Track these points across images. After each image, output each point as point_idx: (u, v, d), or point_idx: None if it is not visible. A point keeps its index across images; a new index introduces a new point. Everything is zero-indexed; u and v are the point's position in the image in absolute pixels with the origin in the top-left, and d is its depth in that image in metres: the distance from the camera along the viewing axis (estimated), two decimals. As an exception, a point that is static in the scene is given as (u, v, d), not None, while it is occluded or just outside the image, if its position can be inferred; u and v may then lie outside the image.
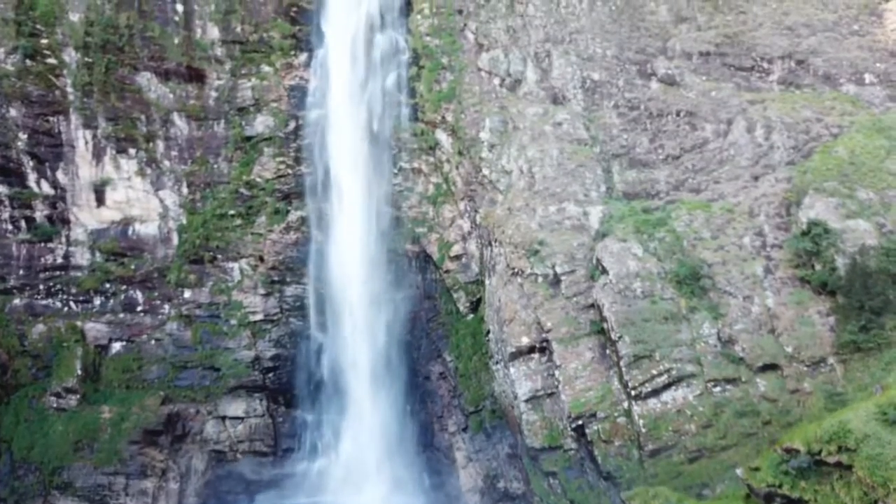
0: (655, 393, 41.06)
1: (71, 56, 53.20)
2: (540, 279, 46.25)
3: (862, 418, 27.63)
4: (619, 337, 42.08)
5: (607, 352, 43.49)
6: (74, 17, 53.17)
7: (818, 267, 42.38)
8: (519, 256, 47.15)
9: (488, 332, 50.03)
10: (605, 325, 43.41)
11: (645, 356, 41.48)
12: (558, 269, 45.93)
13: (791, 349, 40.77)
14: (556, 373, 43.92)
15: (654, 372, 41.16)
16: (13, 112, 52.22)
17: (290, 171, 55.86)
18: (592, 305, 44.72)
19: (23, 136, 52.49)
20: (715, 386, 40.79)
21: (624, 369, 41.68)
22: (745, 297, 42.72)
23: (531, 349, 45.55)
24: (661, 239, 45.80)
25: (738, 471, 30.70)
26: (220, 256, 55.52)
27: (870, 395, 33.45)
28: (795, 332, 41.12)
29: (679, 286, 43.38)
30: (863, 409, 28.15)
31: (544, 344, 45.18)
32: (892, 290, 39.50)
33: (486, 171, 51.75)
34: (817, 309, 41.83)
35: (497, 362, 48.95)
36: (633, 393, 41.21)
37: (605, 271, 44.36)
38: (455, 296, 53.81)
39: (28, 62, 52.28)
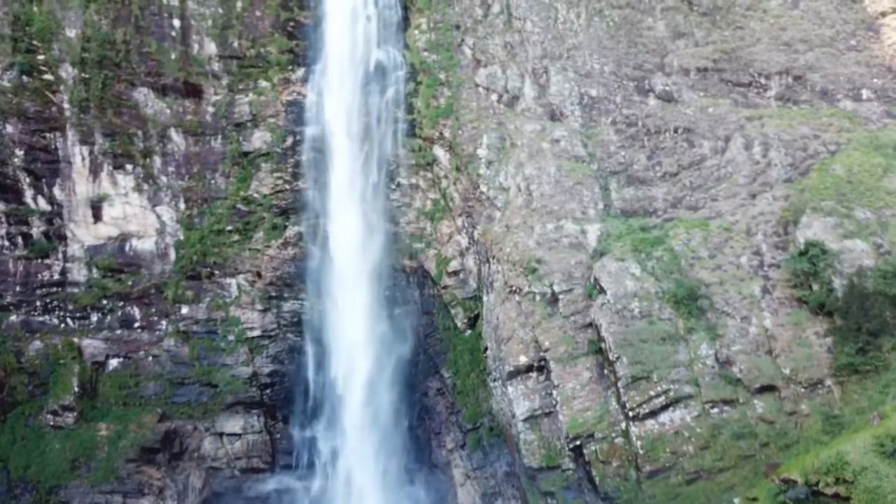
0: (653, 414, 41.05)
1: (68, 72, 53.06)
2: (538, 297, 46.20)
3: (860, 450, 27.71)
4: (617, 357, 42.07)
5: (605, 372, 43.49)
6: (71, 33, 53.01)
7: (815, 287, 42.39)
8: (517, 274, 47.11)
9: (486, 348, 50.02)
10: (603, 345, 43.40)
11: (643, 377, 41.47)
12: (556, 288, 45.89)
13: (788, 371, 40.78)
14: (554, 392, 43.89)
15: (652, 393, 41.15)
16: (9, 128, 52.12)
17: (287, 186, 55.74)
18: (590, 325, 44.71)
19: (19, 152, 52.39)
20: (712, 407, 40.80)
21: (622, 390, 41.67)
22: (742, 318, 42.73)
23: (529, 368, 45.53)
24: (659, 258, 45.79)
25: (736, 500, 30.74)
26: (217, 272, 55.43)
27: (867, 422, 33.53)
28: (793, 354, 41.14)
29: (677, 306, 43.37)
30: (860, 440, 28.23)
31: (542, 363, 45.17)
32: (890, 312, 39.54)
33: (483, 188, 51.69)
34: (815, 330, 41.86)
35: (495, 379, 48.94)
36: (630, 414, 41.21)
37: (602, 291, 44.35)
38: (453, 312, 53.77)
39: (24, 78, 52.13)
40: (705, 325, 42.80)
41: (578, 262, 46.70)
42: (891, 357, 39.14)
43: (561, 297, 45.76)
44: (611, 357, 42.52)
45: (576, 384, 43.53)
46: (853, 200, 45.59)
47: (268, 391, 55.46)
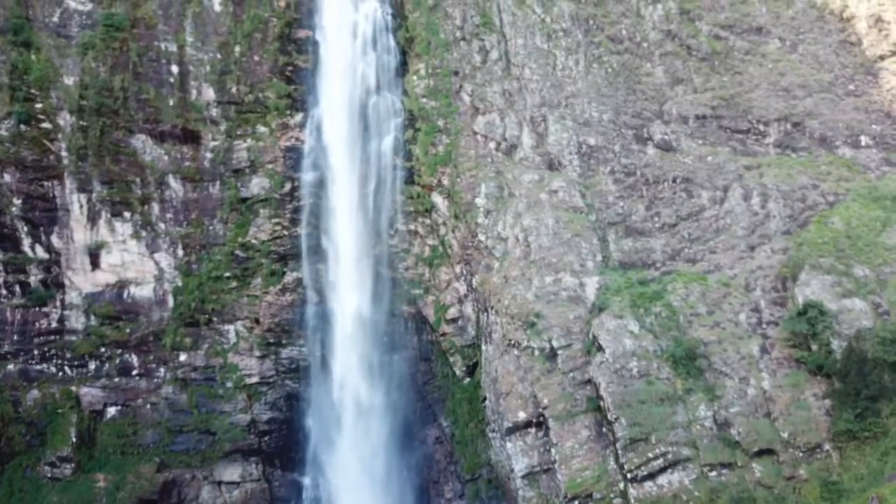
0: (651, 476, 41.07)
1: (65, 120, 52.86)
2: (536, 352, 46.17)
3: (857, 542, 27.69)
4: (616, 418, 42.06)
5: (604, 430, 43.47)
6: (69, 81, 52.79)
7: (814, 348, 42.38)
8: (516, 328, 47.06)
9: (485, 398, 49.97)
10: (601, 404, 43.38)
11: (641, 439, 41.47)
12: (555, 343, 45.84)
13: (787, 434, 40.73)
14: (553, 450, 43.89)
15: (650, 455, 41.17)
16: (7, 178, 51.94)
17: (285, 232, 55.67)
18: (589, 381, 44.68)
19: (17, 201, 52.21)
20: (711, 470, 40.78)
21: (620, 451, 41.68)
22: (741, 379, 42.70)
23: (528, 424, 45.51)
24: (658, 314, 45.75)
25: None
26: (215, 319, 55.32)
27: (866, 499, 33.51)
28: (791, 417, 41.10)
29: (675, 366, 43.32)
30: (858, 532, 28.20)
31: (541, 419, 45.13)
32: (889, 377, 39.49)
33: (481, 237, 51.62)
34: (813, 391, 41.83)
35: (494, 430, 48.88)
36: (629, 475, 41.21)
37: (601, 349, 44.29)
38: (451, 359, 53.70)
39: (22, 127, 51.84)
40: (703, 385, 42.75)
41: (577, 316, 46.64)
42: (889, 423, 39.11)
43: (560, 352, 45.73)
44: (609, 417, 42.51)
45: (574, 442, 43.51)
46: (852, 257, 45.60)
47: (266, 438, 55.43)
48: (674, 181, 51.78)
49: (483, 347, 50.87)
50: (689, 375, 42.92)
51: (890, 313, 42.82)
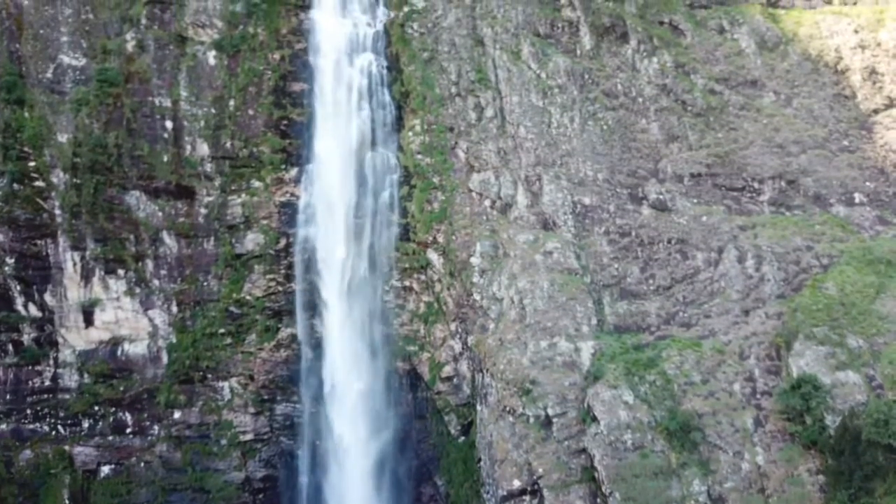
0: (646, 552, 41.16)
1: (59, 178, 52.68)
2: (531, 420, 46.16)
3: None
4: (610, 493, 42.14)
5: (598, 501, 43.50)
6: (63, 138, 52.59)
7: (808, 422, 42.45)
8: (511, 394, 47.04)
9: (480, 459, 49.95)
10: (596, 475, 43.42)
11: (635, 514, 41.57)
12: (550, 411, 45.81)
13: (781, 512, 40.93)
14: (548, 521, 43.97)
15: (645, 531, 41.25)
16: (0, 237, 51.75)
17: (280, 288, 55.59)
18: (584, 450, 44.71)
19: (10, 260, 52.04)
20: (706, 548, 40.90)
21: (614, 526, 41.80)
22: (735, 453, 42.75)
23: (522, 492, 45.43)
24: (652, 382, 45.76)
25: None
26: (210, 376, 55.19)
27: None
28: (785, 494, 41.20)
29: (669, 438, 43.35)
30: None
31: (535, 487, 45.13)
32: (883, 456, 39.58)
33: (476, 297, 51.59)
34: (807, 467, 41.91)
35: (488, 493, 48.84)
36: (623, 551, 41.30)
37: (595, 419, 44.30)
38: (446, 418, 53.72)
39: (15, 186, 51.74)
40: (698, 459, 42.79)
41: (572, 383, 46.64)
42: (883, 503, 39.19)
43: (555, 420, 45.73)
44: (604, 490, 42.57)
45: (569, 514, 43.55)
46: (845, 326, 45.68)
47: (260, 496, 55.33)
48: (668, 242, 51.80)
49: (478, 408, 50.81)
50: (684, 448, 42.96)
51: (884, 387, 42.94)
